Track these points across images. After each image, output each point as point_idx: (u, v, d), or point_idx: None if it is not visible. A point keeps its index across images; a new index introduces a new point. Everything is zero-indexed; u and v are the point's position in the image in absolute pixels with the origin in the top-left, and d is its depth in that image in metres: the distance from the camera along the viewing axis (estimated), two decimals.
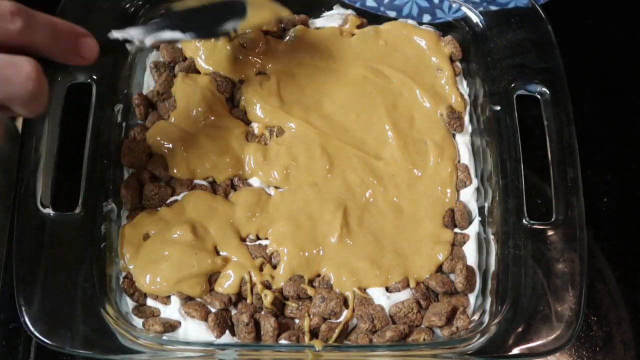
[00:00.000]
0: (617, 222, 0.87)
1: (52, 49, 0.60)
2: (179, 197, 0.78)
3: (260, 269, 0.75)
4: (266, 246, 0.76)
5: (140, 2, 0.85)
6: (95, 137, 0.77)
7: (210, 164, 0.79)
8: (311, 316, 0.73)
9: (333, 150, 0.80)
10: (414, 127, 0.82)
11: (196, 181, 0.79)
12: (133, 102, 0.82)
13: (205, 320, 0.73)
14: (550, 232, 0.73)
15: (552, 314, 0.69)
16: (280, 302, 0.74)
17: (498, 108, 0.80)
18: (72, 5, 0.82)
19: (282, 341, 0.72)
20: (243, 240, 0.77)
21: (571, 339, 0.69)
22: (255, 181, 0.79)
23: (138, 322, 0.73)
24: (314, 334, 0.73)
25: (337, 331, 0.72)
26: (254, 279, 0.74)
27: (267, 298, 0.73)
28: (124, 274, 0.75)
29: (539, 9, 0.83)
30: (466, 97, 0.85)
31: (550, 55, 0.81)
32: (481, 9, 0.85)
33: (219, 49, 0.84)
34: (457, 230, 0.79)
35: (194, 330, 0.73)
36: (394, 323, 0.74)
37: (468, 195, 0.80)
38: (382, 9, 0.89)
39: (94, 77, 0.79)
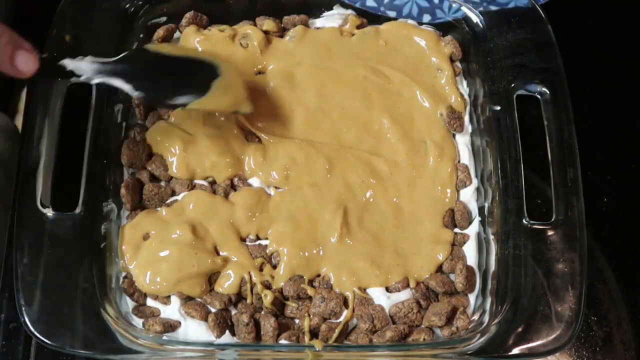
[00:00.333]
0: (617, 222, 0.87)
1: None
2: (179, 197, 0.78)
3: (260, 269, 0.75)
4: (266, 246, 0.76)
5: (140, 2, 0.85)
6: (95, 137, 0.77)
7: (210, 164, 0.79)
8: (311, 316, 0.73)
9: (333, 150, 0.80)
10: (414, 127, 0.82)
11: (196, 181, 0.79)
12: (133, 102, 0.82)
13: (205, 320, 0.73)
14: (550, 232, 0.73)
15: (552, 314, 0.69)
16: (280, 302, 0.74)
17: (498, 108, 0.80)
18: (72, 5, 0.82)
19: (282, 341, 0.72)
20: (243, 240, 0.77)
21: (571, 339, 0.69)
22: (255, 181, 0.79)
23: (138, 322, 0.73)
24: (314, 334, 0.73)
25: (337, 331, 0.72)
26: (254, 279, 0.74)
27: (267, 298, 0.73)
28: (124, 274, 0.75)
29: (539, 9, 0.83)
30: (466, 97, 0.85)
31: (550, 55, 0.81)
32: (481, 9, 0.85)
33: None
34: (457, 230, 0.79)
35: (194, 330, 0.73)
36: (394, 323, 0.74)
37: (468, 195, 0.80)
38: (382, 9, 0.89)
39: None
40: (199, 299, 0.74)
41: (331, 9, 0.90)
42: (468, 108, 0.84)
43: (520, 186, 0.75)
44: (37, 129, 0.76)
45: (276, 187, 0.79)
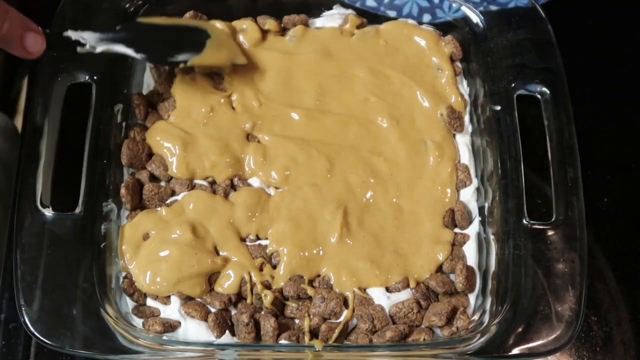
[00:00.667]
0: (617, 222, 0.87)
1: None
2: (179, 197, 0.78)
3: (260, 269, 0.75)
4: (266, 246, 0.76)
5: (140, 2, 0.85)
6: (95, 137, 0.77)
7: (210, 164, 0.79)
8: (311, 316, 0.73)
9: (333, 150, 0.80)
10: (414, 127, 0.82)
11: (196, 181, 0.79)
12: (133, 102, 0.82)
13: (205, 320, 0.73)
14: (550, 232, 0.73)
15: (552, 314, 0.69)
16: (280, 302, 0.74)
17: (498, 108, 0.80)
18: (72, 5, 0.82)
19: (282, 341, 0.72)
20: (243, 240, 0.77)
21: (571, 339, 0.69)
22: (255, 181, 0.79)
23: (138, 322, 0.73)
24: (314, 334, 0.73)
25: (337, 331, 0.72)
26: (254, 279, 0.74)
27: (267, 298, 0.73)
28: (123, 274, 0.75)
29: (539, 8, 0.83)
30: (466, 97, 0.85)
31: (550, 55, 0.81)
32: (481, 9, 0.85)
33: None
34: (457, 230, 0.79)
35: (194, 330, 0.73)
36: (394, 323, 0.74)
37: (468, 195, 0.80)
38: (382, 9, 0.89)
39: (94, 77, 0.79)
40: (199, 299, 0.74)
41: (331, 8, 0.90)
42: (468, 108, 0.84)
43: (520, 186, 0.75)
44: (37, 129, 0.76)
45: (276, 187, 0.79)
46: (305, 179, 0.79)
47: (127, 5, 0.84)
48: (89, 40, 0.73)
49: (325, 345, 0.71)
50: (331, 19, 0.89)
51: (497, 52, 0.82)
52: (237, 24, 0.87)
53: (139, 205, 0.78)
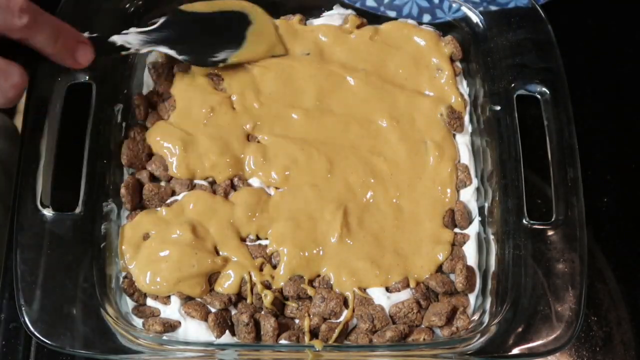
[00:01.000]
0: (617, 222, 0.87)
1: (50, 49, 0.66)
2: (179, 197, 0.78)
3: (260, 269, 0.75)
4: (266, 246, 0.76)
5: (140, 2, 0.85)
6: (95, 137, 0.77)
7: (210, 164, 0.79)
8: (311, 316, 0.73)
9: (333, 150, 0.80)
10: (414, 127, 0.82)
11: (196, 181, 0.79)
12: (133, 103, 0.82)
13: (205, 320, 0.73)
14: (550, 232, 0.73)
15: (552, 314, 0.69)
16: (280, 302, 0.74)
17: (498, 108, 0.80)
18: (72, 5, 0.82)
19: (282, 341, 0.72)
20: (243, 240, 0.77)
21: (571, 339, 0.69)
22: (255, 181, 0.79)
23: (138, 322, 0.73)
24: (314, 334, 0.73)
25: (337, 331, 0.72)
26: (254, 279, 0.74)
27: (267, 298, 0.73)
28: (123, 274, 0.75)
29: (539, 9, 0.83)
30: (466, 97, 0.85)
31: (550, 55, 0.81)
32: (481, 9, 0.85)
33: None
34: (457, 230, 0.79)
35: (194, 330, 0.73)
36: (394, 323, 0.74)
37: (468, 195, 0.80)
38: (382, 9, 0.89)
39: (94, 77, 0.79)
40: (199, 299, 0.74)
41: (331, 9, 0.90)
42: (468, 108, 0.84)
43: (520, 186, 0.75)
44: (37, 129, 0.75)
45: (276, 187, 0.79)
46: (306, 179, 0.79)
47: (127, 5, 0.84)
48: (133, 43, 0.74)
49: (325, 345, 0.71)
50: (331, 19, 0.89)
51: (497, 52, 0.82)
52: None
53: (139, 205, 0.78)
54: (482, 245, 0.78)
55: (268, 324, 0.71)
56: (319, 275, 0.75)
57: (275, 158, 0.80)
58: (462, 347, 0.70)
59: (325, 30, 0.87)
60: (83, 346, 0.68)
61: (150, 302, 0.75)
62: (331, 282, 0.75)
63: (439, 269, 0.76)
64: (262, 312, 0.73)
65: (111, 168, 0.78)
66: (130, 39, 0.74)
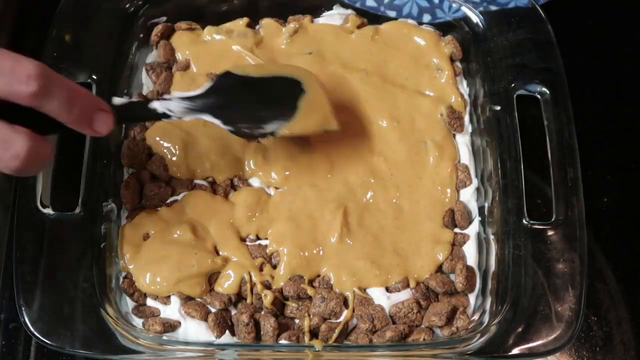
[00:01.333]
0: (617, 222, 0.87)
1: (64, 118, 0.59)
2: (179, 197, 0.78)
3: (260, 269, 0.75)
4: (266, 246, 0.76)
5: (140, 2, 0.85)
6: (95, 137, 0.77)
7: (210, 164, 0.79)
8: (311, 316, 0.73)
9: (333, 150, 0.80)
10: (414, 127, 0.82)
11: (196, 181, 0.79)
12: None
13: (205, 320, 0.73)
14: (550, 232, 0.73)
15: (552, 314, 0.69)
16: (280, 302, 0.74)
17: (498, 108, 0.80)
18: (72, 5, 0.82)
19: (282, 341, 0.72)
20: (243, 240, 0.77)
21: (571, 339, 0.69)
22: (255, 181, 0.79)
23: (138, 322, 0.73)
24: (314, 334, 0.73)
25: (337, 331, 0.72)
26: (254, 279, 0.74)
27: (267, 298, 0.73)
28: (124, 274, 0.75)
29: (539, 9, 0.83)
30: (466, 97, 0.85)
31: (550, 55, 0.81)
32: (481, 9, 0.85)
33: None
34: (457, 230, 0.79)
35: (194, 330, 0.73)
36: (394, 323, 0.74)
37: (468, 195, 0.80)
38: (382, 9, 0.89)
39: (94, 77, 0.79)
40: (199, 299, 0.74)
41: (331, 9, 0.90)
42: (468, 108, 0.84)
43: (520, 186, 0.75)
44: None
45: (276, 187, 0.79)
46: (305, 179, 0.79)
47: (127, 5, 0.84)
48: (176, 112, 0.68)
49: (325, 345, 0.71)
50: (331, 19, 0.89)
51: (497, 52, 0.82)
52: (233, 24, 0.87)
53: (139, 205, 0.78)
54: (482, 245, 0.78)
55: (268, 324, 0.71)
56: (319, 275, 0.75)
57: (275, 158, 0.80)
58: (462, 347, 0.70)
59: (326, 30, 0.87)
60: (83, 346, 0.68)
61: (150, 302, 0.75)
62: (331, 282, 0.75)
63: (439, 269, 0.76)
64: (262, 312, 0.73)
65: (111, 168, 0.78)
66: (172, 106, 0.68)
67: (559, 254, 0.72)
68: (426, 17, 0.89)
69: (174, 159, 0.79)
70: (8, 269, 0.79)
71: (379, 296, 0.74)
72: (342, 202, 0.78)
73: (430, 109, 0.83)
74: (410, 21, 0.89)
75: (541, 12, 0.83)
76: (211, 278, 0.75)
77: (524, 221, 0.74)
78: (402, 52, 0.86)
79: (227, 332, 0.72)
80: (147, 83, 0.85)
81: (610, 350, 0.80)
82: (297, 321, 0.74)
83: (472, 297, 0.75)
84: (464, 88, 0.86)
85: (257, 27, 0.88)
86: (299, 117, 0.73)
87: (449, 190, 0.80)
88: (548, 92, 0.79)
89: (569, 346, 0.71)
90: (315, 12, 0.89)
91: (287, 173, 0.79)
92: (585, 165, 0.76)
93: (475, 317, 0.74)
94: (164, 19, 0.87)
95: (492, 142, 0.79)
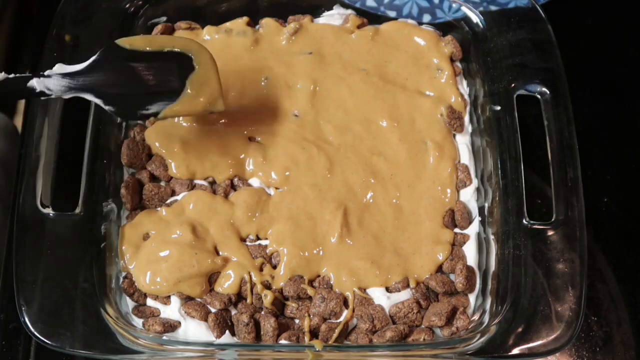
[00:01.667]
0: (617, 222, 0.87)
1: None
2: (179, 197, 0.78)
3: (260, 269, 0.75)
4: (266, 246, 0.76)
5: (140, 2, 0.85)
6: (95, 137, 0.77)
7: (210, 164, 0.79)
8: (311, 316, 0.73)
9: (333, 150, 0.80)
10: (414, 127, 0.82)
11: (196, 181, 0.79)
12: None
13: (205, 320, 0.73)
14: (550, 232, 0.73)
15: (552, 314, 0.69)
16: (280, 302, 0.74)
17: (498, 108, 0.80)
18: (72, 5, 0.82)
19: (282, 341, 0.72)
20: (243, 240, 0.77)
21: (571, 339, 0.69)
22: (255, 181, 0.79)
23: (138, 322, 0.73)
24: (314, 334, 0.73)
25: (337, 331, 0.72)
26: (254, 279, 0.74)
27: (267, 298, 0.73)
28: (124, 274, 0.75)
29: (539, 9, 0.83)
30: (466, 97, 0.85)
31: (550, 55, 0.81)
32: (481, 9, 0.85)
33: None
34: (457, 230, 0.78)
35: (194, 330, 0.73)
36: (394, 323, 0.74)
37: (468, 195, 0.80)
38: (382, 9, 0.89)
39: None
40: (199, 299, 0.74)
41: (331, 9, 0.90)
42: (468, 108, 0.84)
43: (520, 186, 0.75)
44: (37, 129, 0.75)
45: (276, 187, 0.79)
46: (305, 179, 0.79)
47: (127, 6, 0.84)
48: (54, 90, 0.66)
49: (325, 345, 0.71)
50: (331, 19, 0.89)
51: (497, 52, 0.82)
52: (232, 24, 0.87)
53: (139, 205, 0.78)
54: (482, 245, 0.78)
55: (268, 324, 0.71)
56: (319, 275, 0.75)
57: (275, 158, 0.80)
58: (462, 347, 0.70)
59: (326, 30, 0.87)
60: (83, 346, 0.68)
61: (150, 302, 0.75)
62: (331, 282, 0.75)
63: (439, 269, 0.76)
64: (262, 312, 0.73)
65: (111, 168, 0.78)
66: (52, 84, 0.66)
67: (559, 254, 0.72)
68: (426, 17, 0.89)
69: (173, 159, 0.79)
70: (8, 269, 0.79)
71: (379, 296, 0.74)
72: (342, 202, 0.78)
73: (430, 109, 0.83)
74: (410, 21, 0.89)
75: (541, 12, 0.83)
76: (211, 278, 0.75)
77: (524, 221, 0.74)
78: (402, 52, 0.86)
79: (227, 332, 0.72)
80: None
81: (610, 350, 0.80)
82: (297, 321, 0.74)
83: (472, 297, 0.75)
84: (464, 88, 0.86)
85: (257, 27, 0.88)
86: (185, 97, 0.71)
87: (449, 190, 0.80)
88: (548, 92, 0.79)
89: (569, 346, 0.71)
90: (315, 12, 0.89)
91: (287, 173, 0.79)
92: (585, 165, 0.76)
93: (475, 317, 0.74)
94: (164, 18, 0.87)
95: (492, 142, 0.79)
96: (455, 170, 0.80)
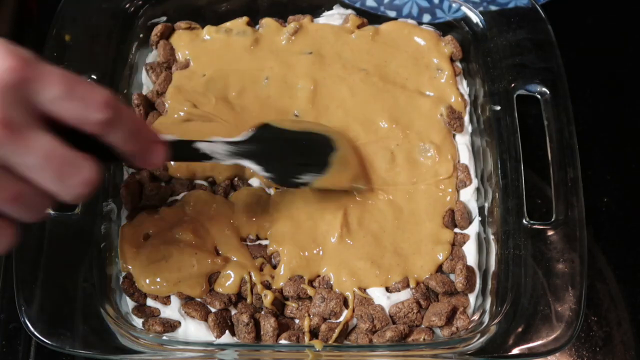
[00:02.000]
0: (617, 222, 0.87)
1: (126, 147, 0.57)
2: (179, 197, 0.78)
3: (260, 269, 0.75)
4: (266, 246, 0.76)
5: (140, 2, 0.85)
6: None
7: (210, 164, 0.79)
8: (311, 316, 0.73)
9: None
10: (414, 127, 0.82)
11: (196, 181, 0.79)
12: (133, 102, 0.82)
13: (205, 320, 0.73)
14: (550, 232, 0.73)
15: (552, 314, 0.69)
16: (280, 302, 0.74)
17: (498, 108, 0.80)
18: (72, 5, 0.82)
19: (282, 341, 0.72)
20: (243, 240, 0.77)
21: (571, 339, 0.69)
22: (255, 181, 0.79)
23: (138, 322, 0.73)
24: (314, 334, 0.73)
25: (337, 331, 0.72)
26: (254, 279, 0.74)
27: (267, 298, 0.73)
28: (124, 274, 0.75)
29: (539, 8, 0.83)
30: (466, 97, 0.85)
31: (550, 55, 0.81)
32: (481, 9, 0.85)
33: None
34: (457, 230, 0.78)
35: (194, 330, 0.73)
36: (394, 323, 0.74)
37: (468, 195, 0.80)
38: (382, 9, 0.89)
39: (94, 76, 0.79)
40: (199, 299, 0.74)
41: (331, 9, 0.90)
42: (468, 108, 0.84)
43: (520, 186, 0.75)
44: None
45: (276, 187, 0.79)
46: None
47: (127, 6, 0.84)
48: (220, 154, 0.69)
49: (325, 345, 0.71)
50: (331, 19, 0.89)
51: (497, 52, 0.82)
52: (232, 23, 0.87)
53: (139, 205, 0.78)
54: (482, 245, 0.78)
55: (268, 324, 0.71)
56: (319, 275, 0.75)
57: None
58: (462, 347, 0.70)
59: (326, 30, 0.87)
60: (83, 346, 0.68)
61: (150, 302, 0.75)
62: (331, 282, 0.75)
63: (439, 269, 0.76)
64: (262, 312, 0.73)
65: (111, 168, 0.78)
66: (217, 148, 0.68)
67: (559, 254, 0.72)
68: (426, 17, 0.89)
69: None
70: (8, 269, 0.79)
71: (379, 296, 0.74)
72: (342, 202, 0.78)
73: (430, 109, 0.83)
74: (410, 21, 0.89)
75: (541, 12, 0.83)
76: (211, 278, 0.75)
77: (524, 221, 0.74)
78: (402, 52, 0.86)
79: (227, 332, 0.72)
80: (147, 83, 0.85)
81: (610, 350, 0.80)
82: (297, 321, 0.74)
83: (472, 297, 0.75)
84: (464, 88, 0.86)
85: (257, 27, 0.89)
86: (332, 171, 0.75)
87: (449, 190, 0.80)
88: (548, 92, 0.79)
89: (569, 346, 0.71)
90: (315, 12, 0.89)
91: None
92: (585, 165, 0.75)
93: (475, 317, 0.74)
94: (164, 18, 0.87)
95: (492, 142, 0.79)
96: (455, 170, 0.80)
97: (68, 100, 0.52)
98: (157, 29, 0.86)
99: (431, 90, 0.84)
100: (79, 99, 0.52)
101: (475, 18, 0.85)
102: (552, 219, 0.74)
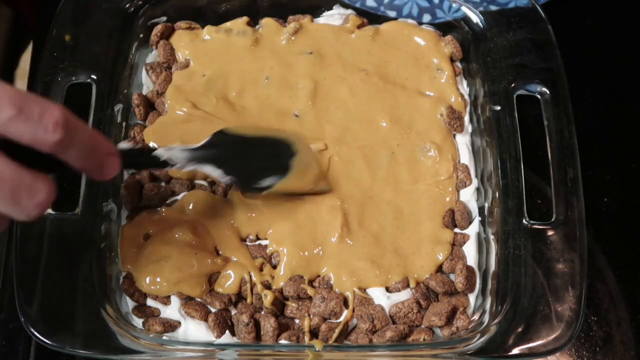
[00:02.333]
0: (617, 222, 0.87)
1: (79, 164, 0.57)
2: (179, 197, 0.78)
3: (260, 269, 0.75)
4: (266, 246, 0.76)
5: (140, 2, 0.85)
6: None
7: None
8: (311, 316, 0.73)
9: (332, 150, 0.80)
10: (414, 127, 0.82)
11: (196, 181, 0.79)
12: (133, 102, 0.82)
13: (205, 320, 0.73)
14: (550, 232, 0.73)
15: (552, 314, 0.69)
16: (280, 302, 0.74)
17: (498, 108, 0.80)
18: (72, 5, 0.82)
19: (282, 341, 0.72)
20: (243, 240, 0.77)
21: (571, 339, 0.69)
22: None
23: (138, 322, 0.73)
24: (314, 334, 0.73)
25: (337, 331, 0.72)
26: (254, 279, 0.74)
27: (267, 298, 0.73)
28: (124, 273, 0.75)
29: (539, 9, 0.83)
30: (466, 97, 0.85)
31: (550, 55, 0.81)
32: (481, 9, 0.85)
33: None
34: (457, 230, 0.78)
35: (194, 330, 0.73)
36: (394, 323, 0.74)
37: (468, 195, 0.80)
38: (382, 9, 0.89)
39: (94, 77, 0.79)
40: (199, 299, 0.74)
41: (331, 9, 0.90)
42: (468, 108, 0.84)
43: (520, 186, 0.75)
44: None
45: None
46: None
47: (127, 6, 0.84)
48: (179, 160, 0.69)
49: (325, 345, 0.71)
50: (331, 19, 0.89)
51: (497, 52, 0.82)
52: (232, 23, 0.87)
53: (139, 205, 0.78)
54: (482, 245, 0.78)
55: (268, 324, 0.71)
56: (319, 275, 0.75)
57: None
58: (462, 347, 0.70)
59: (326, 30, 0.87)
60: (83, 346, 0.68)
61: (150, 302, 0.75)
62: (331, 282, 0.75)
63: (439, 269, 0.76)
64: (262, 312, 0.73)
65: None
66: (175, 155, 0.69)
67: (559, 254, 0.72)
68: (426, 17, 0.89)
69: None
70: (8, 269, 0.79)
71: (379, 296, 0.74)
72: (343, 202, 0.78)
73: (430, 109, 0.83)
74: (410, 21, 0.89)
75: (541, 12, 0.83)
76: (211, 278, 0.75)
77: (524, 221, 0.74)
78: (402, 52, 0.86)
79: (227, 332, 0.72)
80: (147, 83, 0.85)
81: (610, 350, 0.80)
82: (297, 321, 0.74)
83: (472, 297, 0.75)
84: (464, 88, 0.86)
85: (257, 27, 0.89)
86: (293, 175, 0.75)
87: (449, 190, 0.80)
88: (548, 92, 0.79)
89: (569, 346, 0.71)
90: (315, 12, 0.89)
91: None
92: (585, 165, 0.76)
93: (475, 317, 0.74)
94: (164, 18, 0.87)
95: (492, 142, 0.79)
96: (455, 170, 0.80)
97: (20, 122, 0.51)
98: (157, 29, 0.86)
99: (431, 90, 0.84)
100: (31, 121, 0.52)
101: (475, 18, 0.85)
102: (552, 219, 0.74)
